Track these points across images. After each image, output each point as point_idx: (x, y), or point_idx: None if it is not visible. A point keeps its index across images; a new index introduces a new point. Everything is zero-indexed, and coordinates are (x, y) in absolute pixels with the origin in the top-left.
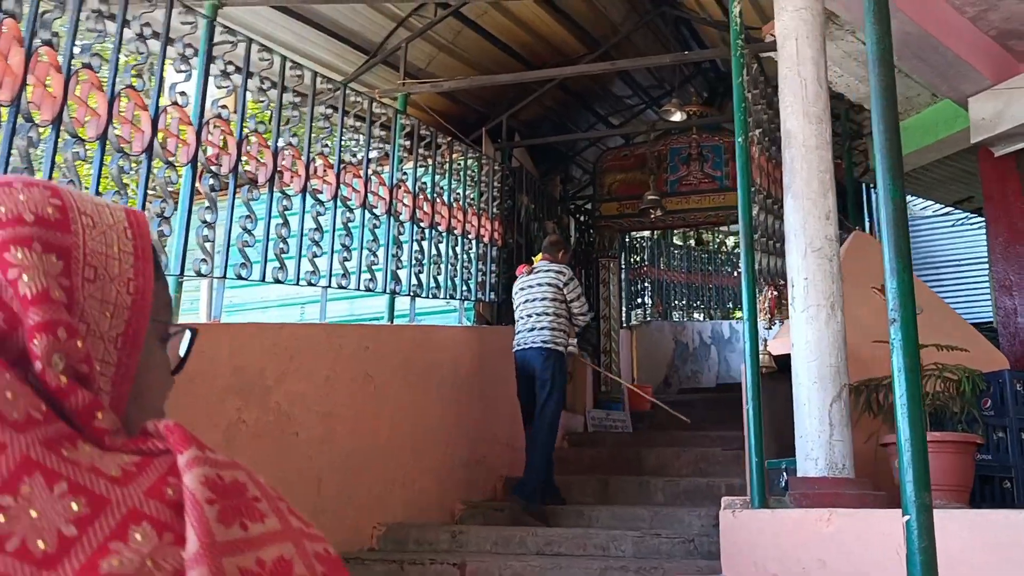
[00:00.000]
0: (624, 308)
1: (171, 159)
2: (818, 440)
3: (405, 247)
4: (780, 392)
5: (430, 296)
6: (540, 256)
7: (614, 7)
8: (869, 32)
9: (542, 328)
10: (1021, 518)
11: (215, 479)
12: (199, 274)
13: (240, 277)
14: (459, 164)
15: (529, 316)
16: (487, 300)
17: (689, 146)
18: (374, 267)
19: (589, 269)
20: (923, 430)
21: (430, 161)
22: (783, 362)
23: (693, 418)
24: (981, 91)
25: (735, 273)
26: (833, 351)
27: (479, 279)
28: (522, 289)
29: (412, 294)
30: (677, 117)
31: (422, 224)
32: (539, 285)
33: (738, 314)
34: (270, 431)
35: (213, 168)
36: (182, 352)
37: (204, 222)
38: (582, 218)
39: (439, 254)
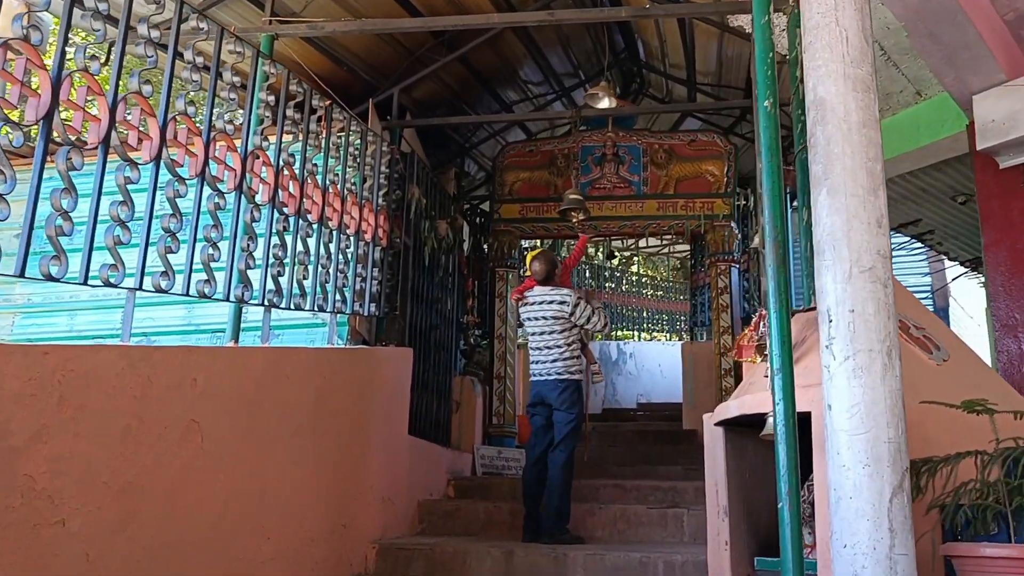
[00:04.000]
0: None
1: None
2: (873, 552)
3: (261, 240)
4: (751, 452)
5: (292, 307)
6: (530, 275)
7: None
8: None
9: (554, 360)
10: None
11: None
12: None
13: None
14: (339, 139)
15: (539, 349)
16: (365, 313)
17: (604, 145)
18: (213, 264)
19: (483, 280)
20: None
21: (300, 129)
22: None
23: (594, 456)
24: (991, 87)
25: (620, 289)
26: (892, 419)
27: (356, 286)
28: (529, 320)
29: (268, 304)
30: (605, 103)
31: (286, 210)
32: (543, 318)
33: (627, 335)
34: (13, 523)
35: None
36: None
37: None
38: (478, 220)
39: (307, 251)
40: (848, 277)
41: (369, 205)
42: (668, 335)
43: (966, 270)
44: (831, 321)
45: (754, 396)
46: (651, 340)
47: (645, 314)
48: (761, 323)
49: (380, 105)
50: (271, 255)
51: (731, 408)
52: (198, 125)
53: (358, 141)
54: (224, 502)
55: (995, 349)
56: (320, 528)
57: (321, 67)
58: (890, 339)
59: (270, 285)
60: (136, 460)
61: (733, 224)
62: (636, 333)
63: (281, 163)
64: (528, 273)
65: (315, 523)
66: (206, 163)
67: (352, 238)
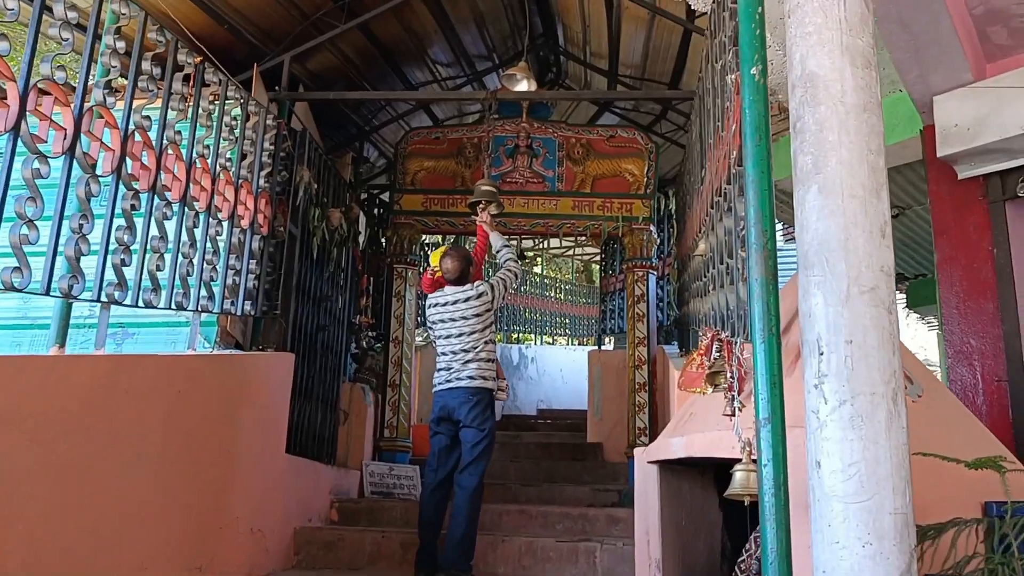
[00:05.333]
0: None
1: None
2: None
3: (101, 222)
4: (687, 494)
5: (140, 304)
6: (439, 274)
7: None
8: None
9: (467, 362)
10: None
11: None
12: None
13: None
14: (212, 106)
15: (452, 353)
16: (238, 312)
17: (517, 136)
18: (28, 247)
19: (380, 277)
20: None
21: (161, 88)
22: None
23: (496, 472)
24: (956, 88)
25: (522, 290)
26: (899, 483)
27: (229, 280)
28: (442, 321)
29: (107, 300)
30: (523, 86)
31: (136, 185)
32: (463, 318)
33: (528, 338)
34: None
35: None
36: None
37: None
38: (377, 211)
39: (163, 237)
40: (845, 299)
41: (248, 186)
42: (570, 339)
43: None
44: (822, 354)
45: (705, 435)
46: (553, 344)
47: (547, 317)
48: (714, 347)
49: (268, 74)
50: (112, 239)
51: (674, 447)
52: (14, 70)
53: (237, 111)
54: (27, 559)
55: (947, 378)
56: (169, 574)
57: (195, 22)
58: (895, 379)
59: (110, 276)
60: None
61: (652, 228)
62: (537, 336)
63: (132, 126)
64: (437, 273)
65: (159, 571)
66: (22, 116)
67: (225, 224)
